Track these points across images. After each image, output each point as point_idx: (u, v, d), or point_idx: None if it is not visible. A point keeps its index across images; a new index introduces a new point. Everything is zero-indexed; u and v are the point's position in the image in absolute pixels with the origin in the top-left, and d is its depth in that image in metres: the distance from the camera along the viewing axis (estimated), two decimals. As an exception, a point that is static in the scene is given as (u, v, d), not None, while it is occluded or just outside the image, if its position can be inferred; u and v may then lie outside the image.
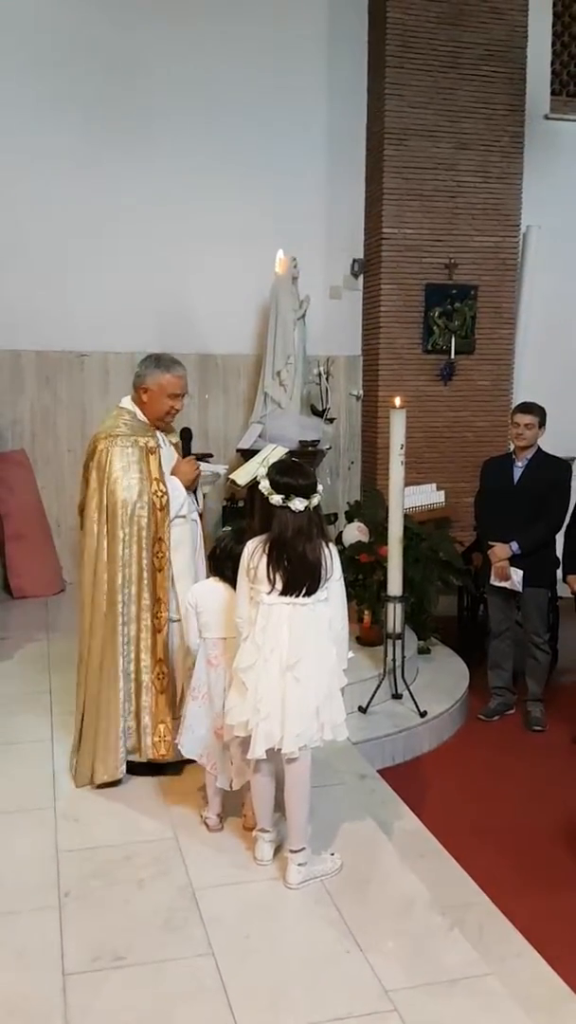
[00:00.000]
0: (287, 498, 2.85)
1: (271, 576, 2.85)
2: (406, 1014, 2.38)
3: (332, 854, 3.07)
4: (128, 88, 6.61)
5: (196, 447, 6.59)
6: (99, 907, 2.81)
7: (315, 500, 2.89)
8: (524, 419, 4.97)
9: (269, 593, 2.87)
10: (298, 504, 2.85)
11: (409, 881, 3.00)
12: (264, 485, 2.91)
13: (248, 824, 3.21)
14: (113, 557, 3.51)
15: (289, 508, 2.85)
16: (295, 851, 2.95)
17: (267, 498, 2.89)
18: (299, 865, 2.94)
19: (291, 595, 2.86)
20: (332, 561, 2.91)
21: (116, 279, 6.71)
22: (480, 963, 2.60)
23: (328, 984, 2.50)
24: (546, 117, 7.36)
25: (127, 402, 3.76)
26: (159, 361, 3.68)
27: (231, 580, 3.10)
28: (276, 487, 2.88)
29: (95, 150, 6.60)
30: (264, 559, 2.86)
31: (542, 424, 4.96)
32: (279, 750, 2.88)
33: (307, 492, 2.87)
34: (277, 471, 2.91)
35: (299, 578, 2.85)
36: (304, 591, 2.86)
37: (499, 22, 6.77)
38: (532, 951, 2.79)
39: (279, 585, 2.85)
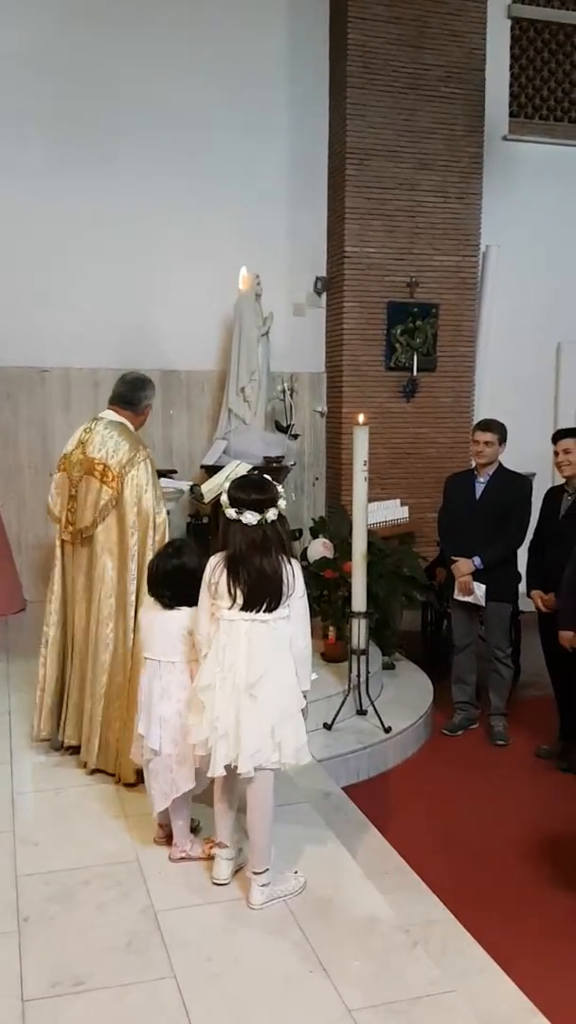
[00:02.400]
0: (239, 512, 2.86)
1: (231, 591, 2.84)
2: (369, 1034, 2.36)
3: (295, 872, 3.05)
4: (91, 107, 6.61)
5: (160, 463, 6.67)
6: (59, 931, 2.76)
7: (271, 515, 2.87)
8: (483, 436, 5.02)
9: (230, 608, 2.86)
10: (250, 518, 2.85)
11: (372, 899, 2.98)
12: (223, 499, 2.92)
13: (197, 852, 3.17)
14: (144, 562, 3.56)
15: (240, 522, 2.85)
16: (258, 872, 2.93)
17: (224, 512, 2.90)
18: (262, 886, 2.92)
19: (251, 611, 2.85)
20: (295, 578, 2.90)
21: (78, 295, 6.68)
22: (442, 980, 2.59)
23: (291, 1005, 2.48)
24: (504, 138, 7.49)
25: (117, 417, 3.81)
26: (151, 384, 3.99)
27: (161, 599, 3.14)
28: (231, 501, 2.89)
29: (57, 168, 6.59)
30: (224, 574, 2.86)
31: (502, 441, 5.02)
32: (235, 767, 2.86)
33: (260, 506, 2.86)
34: (235, 485, 2.93)
35: (258, 593, 2.84)
36: (264, 607, 2.85)
37: (458, 45, 6.89)
38: (495, 967, 2.81)
39: (239, 600, 2.84)
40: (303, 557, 5.95)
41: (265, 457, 6.26)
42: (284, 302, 7.13)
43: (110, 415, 3.88)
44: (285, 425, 7.00)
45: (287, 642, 2.91)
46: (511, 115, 7.57)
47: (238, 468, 3.11)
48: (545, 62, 7.65)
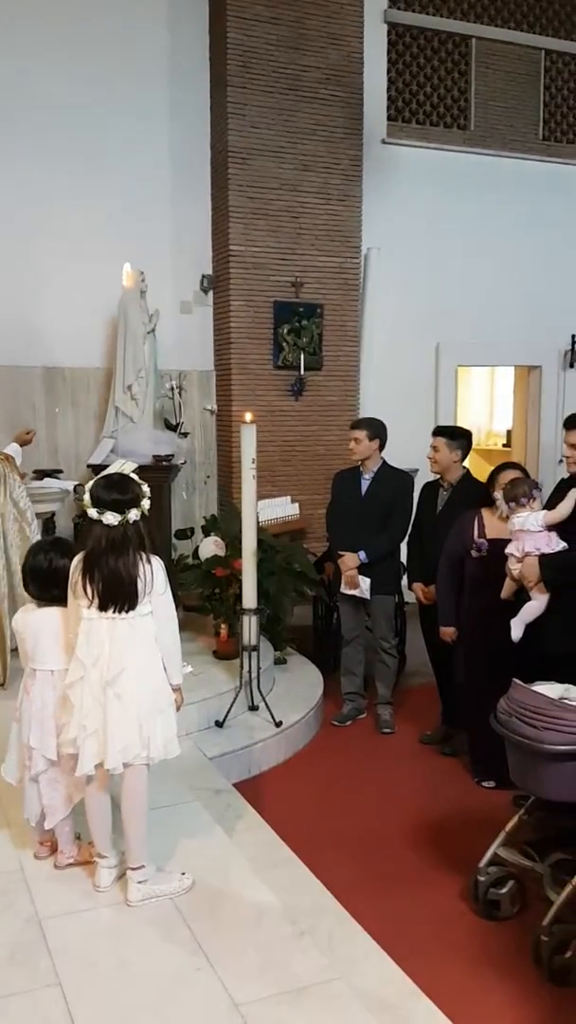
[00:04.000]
0: (100, 512, 2.87)
1: (87, 590, 2.86)
2: (256, 1026, 2.41)
3: (183, 874, 3.06)
4: (-33, 100, 6.40)
5: (45, 463, 6.53)
6: None
7: (132, 515, 2.88)
8: (352, 434, 5.18)
9: (88, 607, 2.88)
10: (110, 518, 2.86)
11: (260, 893, 3.03)
12: (85, 498, 2.92)
13: (83, 856, 3.15)
14: None
15: (101, 522, 2.86)
16: (134, 868, 2.94)
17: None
18: (139, 883, 2.93)
19: (107, 610, 2.87)
20: (153, 575, 2.92)
21: (-43, 291, 6.47)
22: (328, 969, 2.66)
23: (179, 1004, 2.50)
24: (383, 141, 7.64)
25: None
26: None
27: (35, 598, 3.13)
28: (93, 501, 2.90)
29: None
30: (80, 573, 2.87)
31: (373, 438, 5.12)
32: (99, 765, 2.87)
33: (121, 507, 2.88)
34: (98, 485, 2.94)
35: (112, 593, 2.86)
36: (121, 606, 2.87)
37: (336, 48, 7.00)
38: (381, 952, 2.89)
39: (96, 600, 2.86)
40: (195, 556, 5.96)
41: (154, 456, 6.21)
42: (171, 299, 7.08)
43: None
44: (174, 423, 6.97)
45: (151, 639, 2.94)
46: (389, 119, 7.73)
47: (124, 467, 3.09)
48: (421, 67, 7.84)
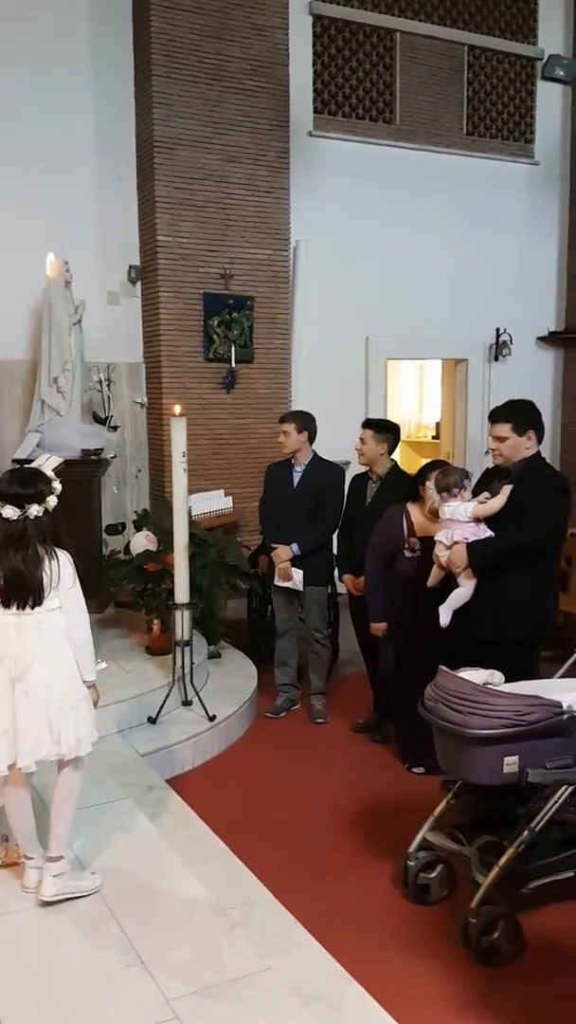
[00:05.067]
0: (0, 505, 2.83)
1: None
2: (187, 1020, 2.41)
3: (92, 873, 3.04)
4: None
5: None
6: None
7: (33, 511, 2.85)
8: (281, 427, 5.22)
9: None
10: (9, 512, 2.83)
11: (192, 887, 3.03)
12: None
13: (10, 858, 3.11)
14: None
15: (1, 516, 2.83)
16: (53, 858, 2.91)
17: None
18: (55, 876, 2.90)
19: (12, 606, 2.84)
20: (60, 570, 2.89)
21: None
22: (260, 960, 2.68)
23: (110, 1002, 2.49)
24: (310, 134, 7.65)
25: None
26: None
27: None
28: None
29: None
30: None
31: (302, 430, 5.15)
32: (11, 765, 2.85)
33: (21, 501, 2.85)
34: (3, 479, 2.91)
35: (15, 589, 2.84)
36: (25, 602, 2.84)
37: (261, 39, 6.97)
38: (312, 940, 2.92)
39: None
40: (126, 551, 5.90)
41: (83, 450, 6.13)
42: (98, 290, 6.98)
43: None
44: (103, 416, 6.88)
45: (61, 634, 2.92)
46: (315, 111, 7.73)
47: (48, 461, 3.04)
48: (346, 60, 7.86)
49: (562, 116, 8.80)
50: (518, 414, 3.96)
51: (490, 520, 3.93)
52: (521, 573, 3.85)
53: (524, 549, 3.85)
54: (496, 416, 4.01)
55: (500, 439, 3.94)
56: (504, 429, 3.92)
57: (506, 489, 3.87)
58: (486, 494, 3.97)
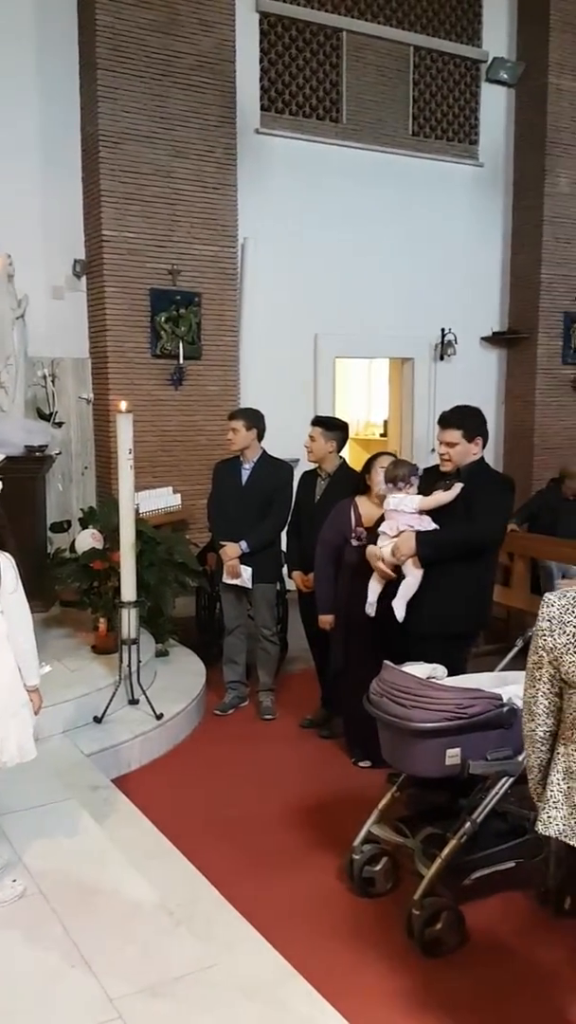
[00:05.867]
0: None
1: None
2: (131, 1019, 2.40)
3: (14, 881, 3.00)
4: None
5: None
6: None
7: None
8: (230, 424, 5.21)
9: None
10: None
11: (136, 886, 3.02)
12: None
13: None
14: None
15: None
16: None
17: None
18: None
19: None
20: (2, 574, 2.85)
21: None
22: (204, 957, 2.68)
23: (53, 1003, 2.47)
24: (257, 131, 7.64)
25: None
26: None
27: None
28: None
29: None
30: None
31: (251, 428, 5.15)
32: None
33: None
34: None
35: None
36: None
37: (208, 35, 6.94)
38: (257, 936, 2.92)
39: None
40: (72, 549, 5.84)
41: (26, 446, 6.04)
42: (42, 284, 6.89)
43: None
44: (48, 413, 6.79)
45: (2, 639, 2.87)
46: (262, 109, 7.73)
47: (-10, 459, 3.02)
48: (293, 58, 7.86)
49: (506, 118, 8.94)
50: (468, 422, 4.02)
51: (437, 515, 3.99)
52: (460, 570, 3.92)
53: (473, 542, 3.93)
54: (446, 422, 4.07)
55: (450, 444, 4.00)
56: (455, 435, 3.98)
57: (457, 486, 3.94)
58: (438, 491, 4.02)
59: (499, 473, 4.30)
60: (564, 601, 2.17)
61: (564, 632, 2.14)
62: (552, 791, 2.22)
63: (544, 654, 2.19)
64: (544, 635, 2.19)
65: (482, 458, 4.09)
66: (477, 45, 8.70)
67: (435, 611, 3.91)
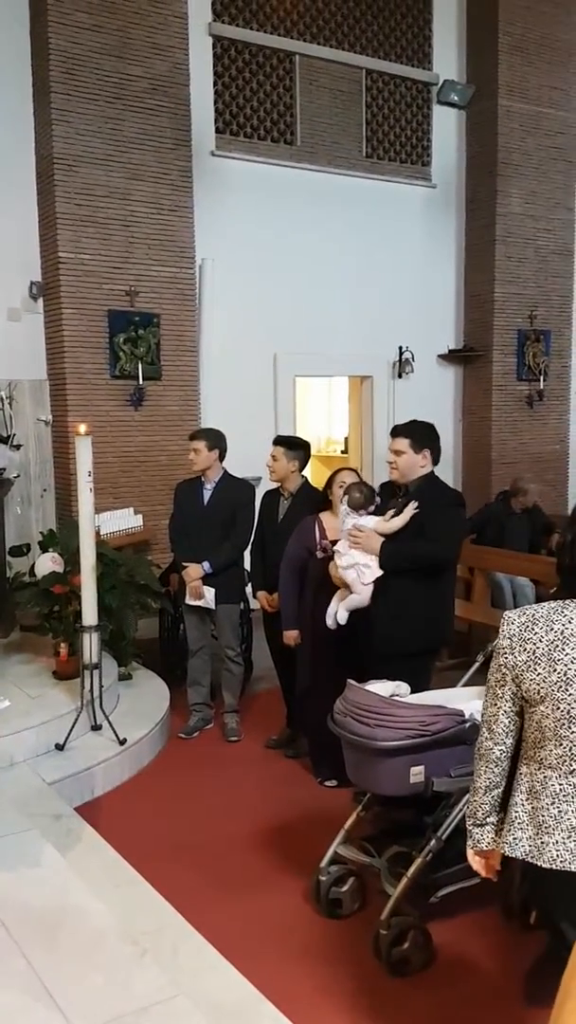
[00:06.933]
0: None
1: None
2: (96, 1053, 2.36)
3: None
4: None
5: None
6: None
7: None
8: (191, 445, 5.22)
9: None
10: None
11: (100, 916, 2.97)
12: None
13: None
14: None
15: None
16: None
17: None
18: None
19: None
20: None
21: None
22: (170, 985, 2.64)
23: (15, 1042, 2.41)
24: (212, 154, 7.69)
25: None
26: None
27: None
28: None
29: None
30: None
31: (212, 448, 5.15)
32: None
33: None
34: None
35: None
36: None
37: (161, 58, 6.99)
38: (224, 962, 2.90)
39: None
40: (31, 573, 5.77)
41: (-16, 470, 5.98)
42: (-3, 307, 6.86)
43: None
44: (5, 435, 6.73)
45: None
46: (217, 131, 7.78)
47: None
48: (247, 81, 7.94)
49: (457, 140, 9.11)
50: (416, 432, 4.08)
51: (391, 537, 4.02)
52: (417, 590, 3.93)
53: (434, 558, 3.96)
54: (396, 431, 4.13)
55: (398, 453, 4.05)
56: (403, 444, 4.03)
57: (410, 509, 3.96)
58: (391, 512, 4.05)
59: (450, 489, 4.26)
60: (524, 619, 2.17)
61: (524, 650, 2.15)
62: (516, 812, 2.21)
63: (506, 671, 2.19)
64: (505, 653, 2.19)
65: (432, 473, 4.11)
66: (428, 68, 8.86)
67: (394, 632, 3.92)
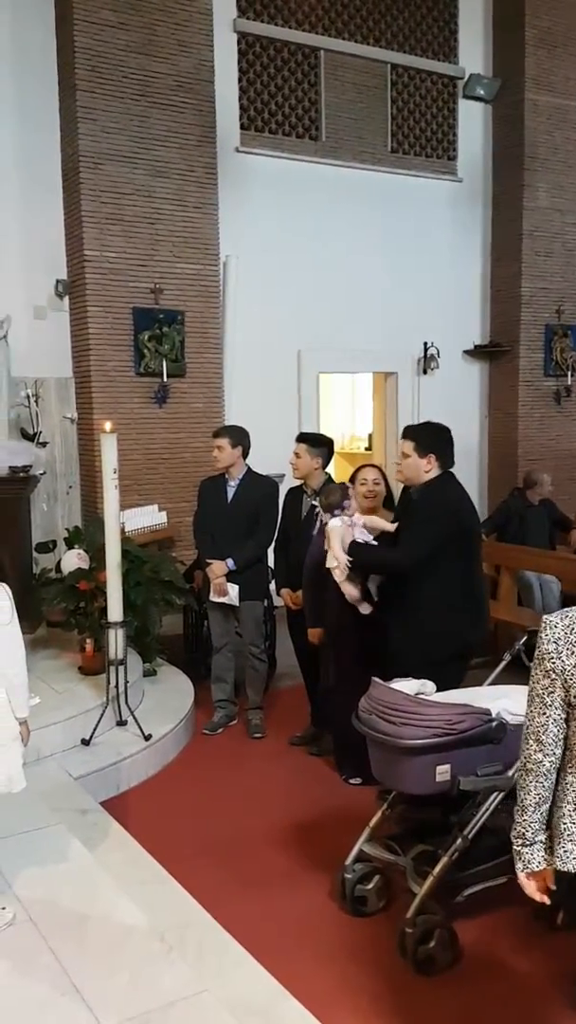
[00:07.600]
0: None
1: None
2: (122, 1048, 2.37)
3: (3, 908, 2.97)
4: None
5: None
6: None
7: None
8: (215, 442, 5.22)
9: None
10: None
11: (127, 911, 2.99)
12: None
13: None
14: None
15: None
16: None
17: None
18: None
19: None
20: None
21: None
22: (196, 981, 2.65)
23: (43, 1034, 2.43)
24: (237, 150, 7.68)
25: None
26: None
27: None
28: None
29: None
30: None
31: (236, 445, 5.15)
32: None
33: None
34: None
35: None
36: None
37: (186, 55, 6.99)
38: (249, 959, 2.90)
39: None
40: (57, 569, 5.81)
41: (10, 467, 6.02)
42: (23, 304, 6.88)
43: None
44: (31, 433, 6.78)
45: None
46: (242, 127, 7.77)
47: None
48: (272, 77, 7.92)
49: (483, 134, 9.02)
50: (422, 435, 3.99)
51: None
52: (431, 600, 3.86)
53: (384, 566, 4.07)
54: (405, 433, 4.09)
55: (404, 455, 4.00)
56: (408, 446, 3.97)
57: (393, 526, 4.11)
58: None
59: (445, 498, 3.93)
60: (567, 621, 2.09)
61: (573, 652, 2.06)
62: (566, 824, 2.13)
63: (555, 676, 2.08)
64: (552, 657, 2.09)
65: (439, 478, 3.94)
66: (454, 62, 8.79)
67: (405, 646, 3.88)
